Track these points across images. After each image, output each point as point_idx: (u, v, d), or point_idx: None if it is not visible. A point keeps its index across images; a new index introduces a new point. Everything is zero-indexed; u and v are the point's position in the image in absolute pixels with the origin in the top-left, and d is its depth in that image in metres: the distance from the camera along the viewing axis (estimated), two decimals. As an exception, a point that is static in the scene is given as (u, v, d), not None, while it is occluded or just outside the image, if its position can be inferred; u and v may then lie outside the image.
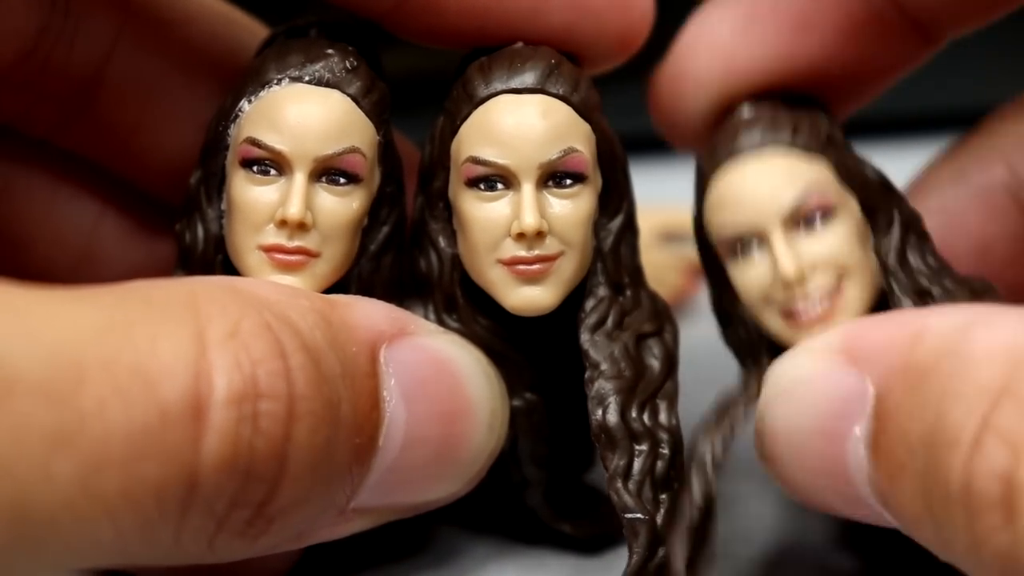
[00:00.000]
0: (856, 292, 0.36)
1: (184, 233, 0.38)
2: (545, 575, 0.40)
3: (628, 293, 0.38)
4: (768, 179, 0.37)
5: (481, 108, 0.37)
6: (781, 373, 0.35)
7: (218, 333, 0.31)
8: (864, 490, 0.33)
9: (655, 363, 0.37)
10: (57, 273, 0.42)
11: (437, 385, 0.35)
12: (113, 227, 0.43)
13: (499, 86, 0.37)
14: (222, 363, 0.30)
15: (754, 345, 0.38)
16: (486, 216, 0.37)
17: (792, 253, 0.36)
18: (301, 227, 0.35)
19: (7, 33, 0.37)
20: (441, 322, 0.38)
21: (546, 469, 0.39)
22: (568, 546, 0.41)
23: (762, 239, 0.37)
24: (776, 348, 0.37)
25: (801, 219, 0.36)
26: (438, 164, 0.38)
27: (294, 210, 0.35)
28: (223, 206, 0.37)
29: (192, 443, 0.30)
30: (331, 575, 0.40)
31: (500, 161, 0.36)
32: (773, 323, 0.37)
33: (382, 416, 0.34)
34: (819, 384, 0.34)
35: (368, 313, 0.35)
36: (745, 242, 0.37)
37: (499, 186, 0.37)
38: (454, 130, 0.37)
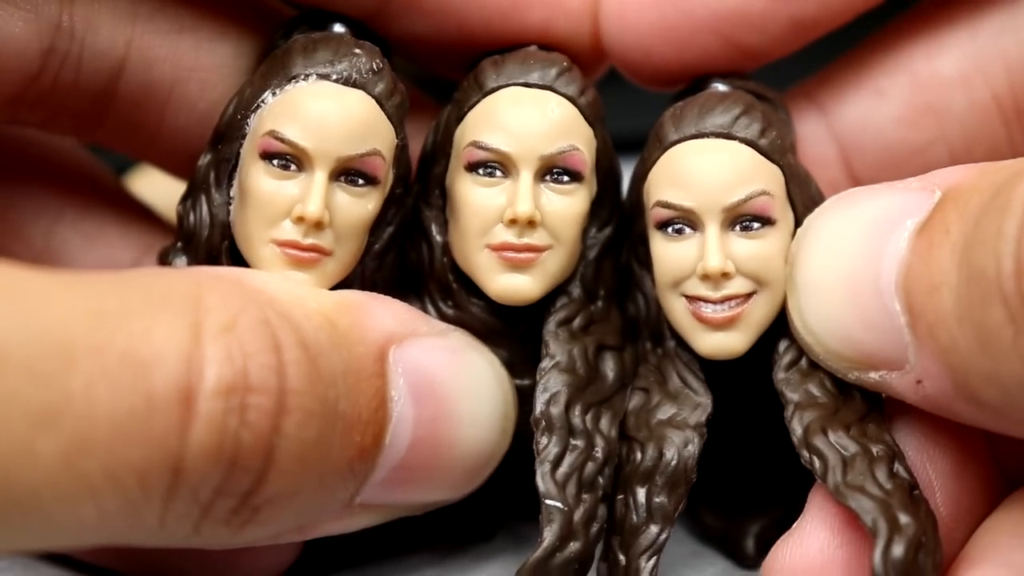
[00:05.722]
0: (763, 308, 0.37)
1: (188, 214, 0.37)
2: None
3: (600, 304, 0.39)
4: (724, 169, 0.37)
5: (490, 96, 0.38)
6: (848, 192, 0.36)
7: (214, 326, 0.31)
8: (889, 289, 0.34)
9: (609, 374, 0.38)
10: None
11: (447, 386, 0.36)
12: (70, 228, 0.43)
13: (510, 79, 0.38)
14: (214, 355, 0.31)
15: (654, 323, 0.39)
16: (480, 201, 0.37)
17: (723, 250, 0.36)
18: (318, 226, 0.35)
19: (11, 56, 0.37)
20: (438, 310, 0.38)
21: None
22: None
23: (696, 226, 0.37)
24: (675, 332, 0.38)
25: (740, 219, 0.36)
26: (440, 150, 0.38)
27: (313, 207, 0.35)
28: (232, 193, 0.37)
29: (178, 431, 0.30)
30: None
31: (502, 148, 0.37)
32: (677, 310, 0.37)
33: (388, 415, 0.34)
34: (883, 192, 0.35)
35: (380, 314, 0.35)
36: (679, 222, 0.37)
37: (497, 173, 0.37)
38: (460, 116, 0.38)
